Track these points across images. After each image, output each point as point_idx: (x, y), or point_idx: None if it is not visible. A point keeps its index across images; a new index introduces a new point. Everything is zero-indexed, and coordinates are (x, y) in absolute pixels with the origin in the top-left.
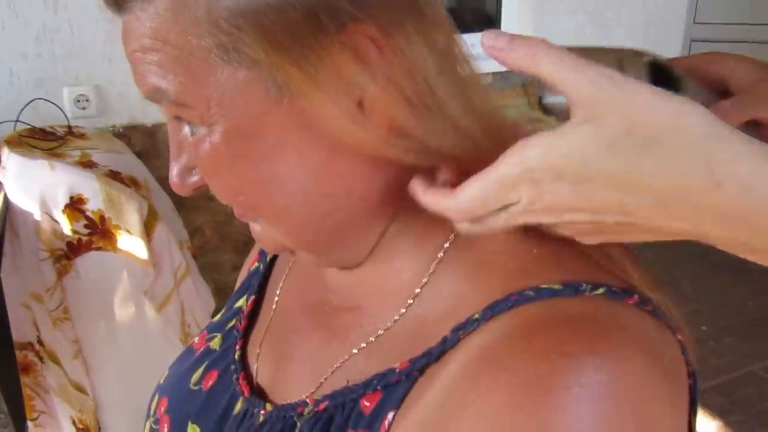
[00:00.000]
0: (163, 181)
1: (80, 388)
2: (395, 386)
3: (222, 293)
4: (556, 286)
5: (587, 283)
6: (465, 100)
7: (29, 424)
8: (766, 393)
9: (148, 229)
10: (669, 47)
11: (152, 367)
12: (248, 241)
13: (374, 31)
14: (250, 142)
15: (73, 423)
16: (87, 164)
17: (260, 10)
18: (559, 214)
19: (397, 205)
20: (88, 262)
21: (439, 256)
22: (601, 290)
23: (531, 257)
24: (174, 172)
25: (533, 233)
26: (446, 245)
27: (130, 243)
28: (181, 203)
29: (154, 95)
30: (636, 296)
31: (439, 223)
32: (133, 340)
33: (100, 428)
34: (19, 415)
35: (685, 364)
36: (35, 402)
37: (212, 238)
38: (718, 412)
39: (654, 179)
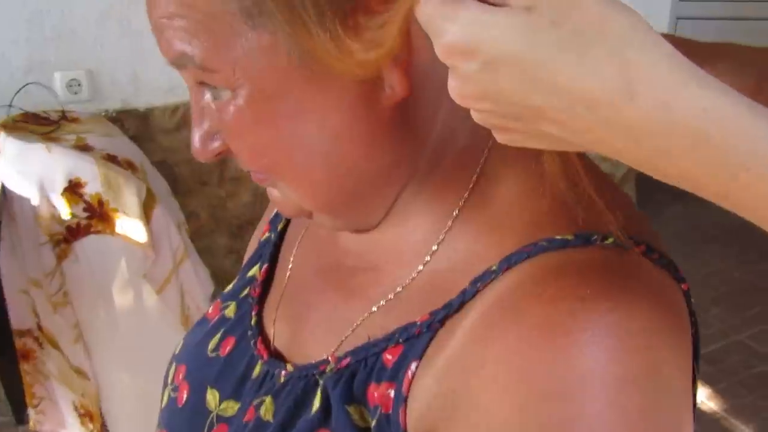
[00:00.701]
0: (158, 164)
1: (81, 373)
2: (417, 338)
3: (217, 278)
4: (569, 237)
5: (598, 233)
6: None
7: (30, 411)
8: (752, 361)
9: (146, 212)
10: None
11: (153, 350)
12: (243, 225)
13: (400, 9)
14: (273, 104)
15: (75, 408)
16: (83, 148)
17: None
18: (468, 94)
19: (413, 168)
20: (87, 246)
21: (454, 214)
22: (610, 240)
23: (543, 211)
24: (196, 138)
25: (544, 189)
26: (461, 203)
27: (129, 226)
28: (175, 188)
29: (180, 60)
30: (643, 245)
31: (452, 183)
32: (134, 324)
33: (101, 412)
34: (18, 403)
35: (688, 313)
36: (35, 388)
37: (207, 222)
38: (706, 380)
39: (568, 79)
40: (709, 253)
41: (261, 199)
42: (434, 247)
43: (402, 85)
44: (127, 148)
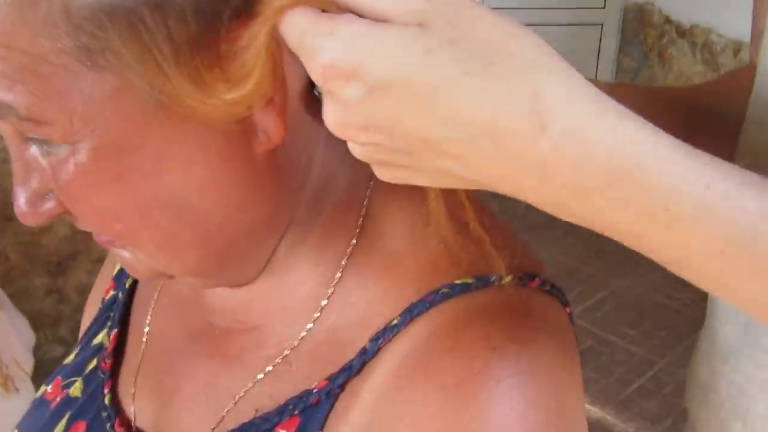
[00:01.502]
0: None
1: None
2: (315, 407)
3: (37, 322)
4: (469, 280)
5: (495, 274)
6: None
7: None
8: (618, 358)
9: None
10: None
11: None
12: (62, 262)
13: (258, 26)
14: (125, 158)
15: None
16: None
17: (132, 6)
18: (349, 123)
19: (291, 215)
20: None
21: (342, 263)
22: (508, 279)
23: (437, 252)
24: (21, 199)
25: (436, 228)
26: (349, 249)
27: None
28: None
29: None
30: (537, 279)
31: (337, 228)
32: None
33: None
34: None
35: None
36: None
37: (19, 262)
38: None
39: (469, 106)
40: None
41: (81, 231)
42: (323, 302)
43: (278, 130)
44: None
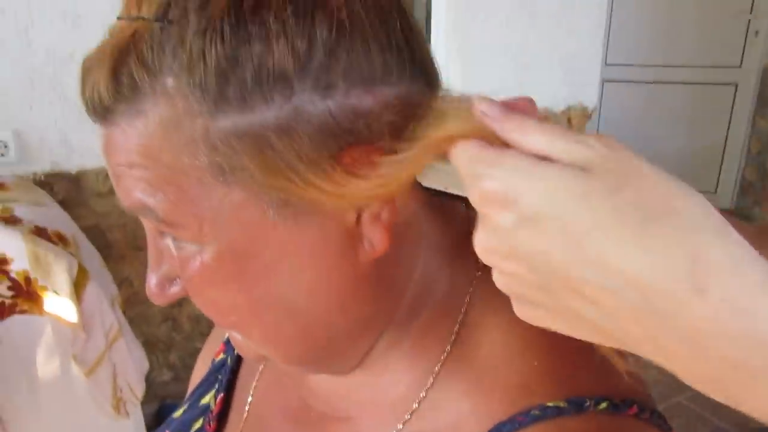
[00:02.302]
0: (89, 230)
1: None
2: None
3: (152, 346)
4: (561, 404)
5: (590, 398)
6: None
7: None
8: (692, 422)
9: (77, 290)
10: (588, 88)
11: None
12: None
13: (373, 152)
14: (243, 262)
15: None
16: (9, 220)
17: (260, 131)
18: (496, 249)
19: (389, 318)
20: (11, 327)
21: (435, 369)
22: (603, 405)
23: (531, 370)
24: (153, 282)
25: (533, 343)
26: (443, 356)
27: (58, 305)
28: (107, 254)
29: (140, 211)
30: (635, 406)
31: (432, 334)
32: (60, 409)
33: None
34: None
35: None
36: None
37: (140, 289)
38: None
39: (620, 255)
40: None
41: None
42: (415, 405)
43: (382, 242)
44: (58, 219)
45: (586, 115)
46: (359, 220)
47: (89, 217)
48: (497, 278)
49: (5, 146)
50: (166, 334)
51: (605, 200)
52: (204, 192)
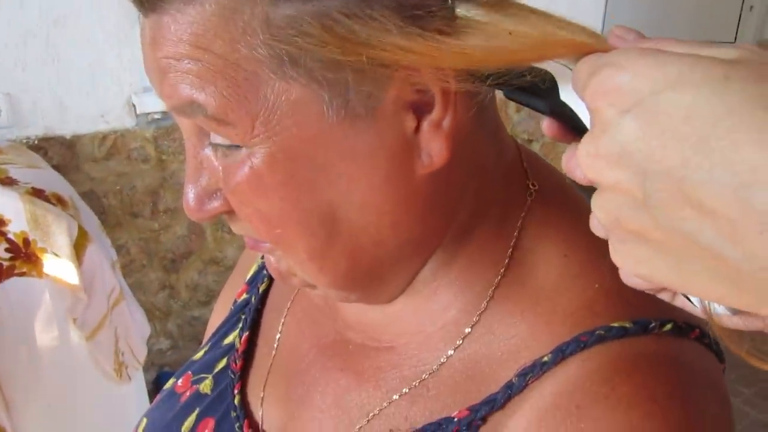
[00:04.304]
0: (85, 196)
1: (0, 430)
2: None
3: (149, 314)
4: (626, 324)
5: (655, 320)
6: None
7: None
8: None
9: (78, 251)
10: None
11: (82, 401)
12: (176, 259)
13: (447, 48)
14: (296, 166)
15: None
16: (5, 181)
17: (326, 16)
18: (602, 152)
19: (439, 240)
20: (9, 290)
21: (489, 293)
22: (668, 326)
23: (593, 293)
24: (191, 195)
25: (592, 266)
26: (496, 281)
27: (58, 267)
28: (103, 220)
29: (186, 108)
30: (697, 330)
31: (485, 256)
32: (61, 374)
33: None
34: None
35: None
36: None
37: (138, 256)
38: None
39: (757, 145)
40: None
41: (196, 231)
42: (467, 330)
43: (441, 154)
44: (55, 181)
45: None
46: (418, 128)
47: (84, 182)
48: (596, 200)
49: None
50: (164, 302)
51: (748, 84)
52: (259, 87)
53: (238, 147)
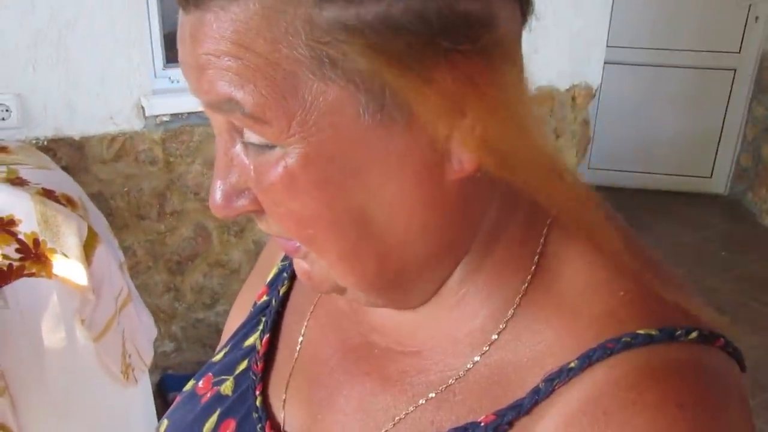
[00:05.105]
0: (93, 197)
1: (5, 429)
2: None
3: (154, 316)
4: (653, 332)
5: (681, 328)
6: (539, 134)
7: None
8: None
9: (87, 252)
10: (593, 70)
11: (89, 403)
12: (182, 261)
13: (481, 62)
14: (330, 168)
15: None
16: (16, 182)
17: (368, 23)
18: None
19: (467, 246)
20: (18, 290)
21: (516, 300)
22: (694, 335)
23: (618, 300)
24: (218, 193)
25: (617, 273)
26: (523, 288)
27: (68, 268)
28: (110, 222)
29: (224, 105)
30: (722, 339)
31: (511, 263)
32: (68, 374)
33: None
34: None
35: None
36: None
37: (144, 258)
38: None
39: None
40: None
41: (202, 234)
42: (494, 336)
43: (472, 160)
44: (64, 182)
45: (590, 94)
46: (451, 135)
47: (92, 184)
48: None
49: (7, 110)
50: (169, 304)
51: None
52: (298, 87)
53: (272, 146)
